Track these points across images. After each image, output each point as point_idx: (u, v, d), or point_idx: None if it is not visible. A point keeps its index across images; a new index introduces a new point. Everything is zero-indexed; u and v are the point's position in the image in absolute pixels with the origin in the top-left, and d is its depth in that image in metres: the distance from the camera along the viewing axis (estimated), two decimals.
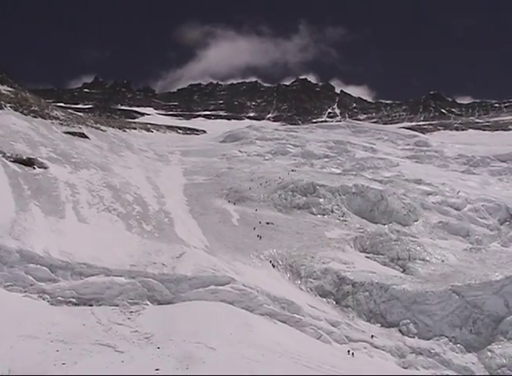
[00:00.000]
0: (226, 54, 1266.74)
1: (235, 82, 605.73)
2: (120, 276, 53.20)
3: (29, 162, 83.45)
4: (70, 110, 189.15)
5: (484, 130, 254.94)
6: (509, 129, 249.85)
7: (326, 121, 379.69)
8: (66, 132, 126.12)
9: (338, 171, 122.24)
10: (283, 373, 37.41)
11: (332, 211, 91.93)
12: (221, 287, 54.42)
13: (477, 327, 56.99)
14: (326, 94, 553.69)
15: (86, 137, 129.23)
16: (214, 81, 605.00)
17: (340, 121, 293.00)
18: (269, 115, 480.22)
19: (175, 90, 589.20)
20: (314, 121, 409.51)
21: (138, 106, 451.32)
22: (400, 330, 58.32)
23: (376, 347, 55.03)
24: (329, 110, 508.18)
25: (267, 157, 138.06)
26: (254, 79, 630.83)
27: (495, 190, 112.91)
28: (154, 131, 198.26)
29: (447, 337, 56.55)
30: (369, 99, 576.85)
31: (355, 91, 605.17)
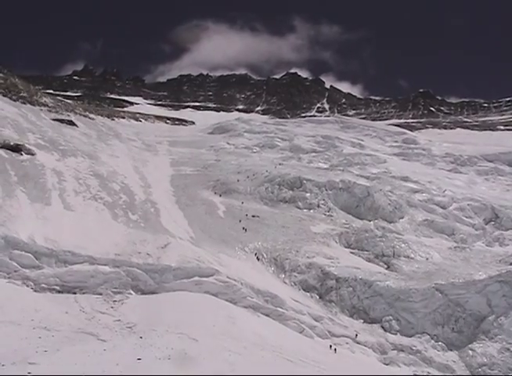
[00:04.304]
0: (219, 50, 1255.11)
1: (225, 74, 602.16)
2: (105, 264, 53.20)
3: (16, 148, 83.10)
4: (59, 98, 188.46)
5: (472, 129, 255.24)
6: (497, 129, 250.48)
7: (314, 116, 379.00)
8: (54, 119, 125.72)
9: (325, 166, 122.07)
10: (265, 366, 37.51)
11: (318, 206, 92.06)
12: (205, 279, 54.47)
13: (459, 326, 57.35)
14: (316, 89, 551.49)
15: (74, 125, 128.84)
16: (205, 72, 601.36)
17: (328, 116, 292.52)
18: (258, 108, 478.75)
19: (165, 80, 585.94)
20: (303, 115, 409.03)
21: (127, 96, 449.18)
22: (382, 327, 58.61)
23: (358, 343, 55.32)
24: (319, 105, 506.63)
25: (255, 150, 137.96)
26: (244, 71, 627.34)
27: (481, 190, 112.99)
28: (143, 120, 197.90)
29: (429, 334, 56.92)
30: (359, 96, 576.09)
31: (348, 89, 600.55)
